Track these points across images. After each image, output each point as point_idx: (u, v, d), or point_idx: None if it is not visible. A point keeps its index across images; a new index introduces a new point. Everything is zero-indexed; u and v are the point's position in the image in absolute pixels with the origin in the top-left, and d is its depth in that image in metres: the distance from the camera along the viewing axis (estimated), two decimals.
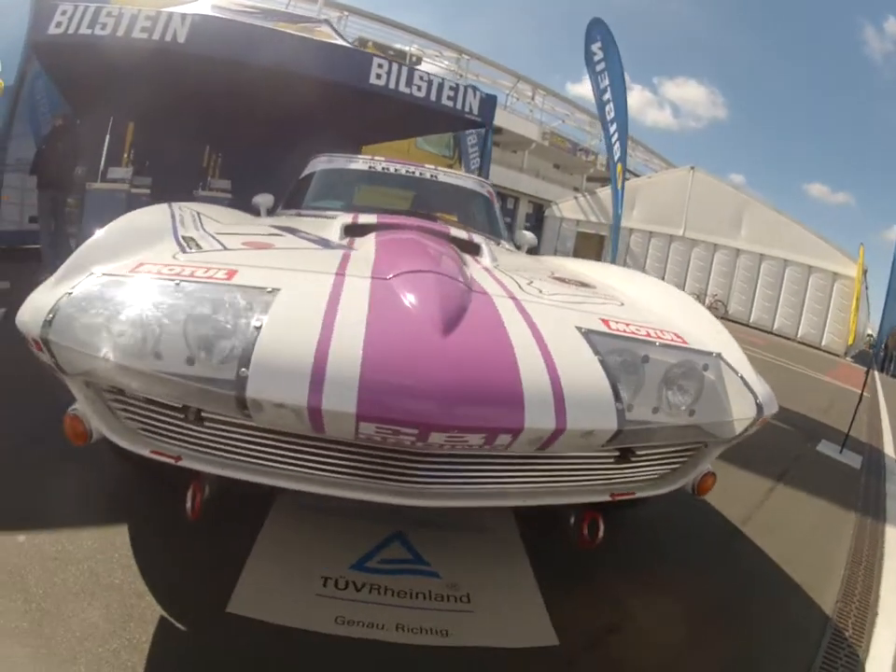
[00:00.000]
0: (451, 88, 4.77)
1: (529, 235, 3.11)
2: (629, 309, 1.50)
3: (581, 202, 14.58)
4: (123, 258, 1.23)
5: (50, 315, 1.07)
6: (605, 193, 14.24)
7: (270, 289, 1.11)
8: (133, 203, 4.71)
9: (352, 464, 1.12)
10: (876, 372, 9.18)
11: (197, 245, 1.40)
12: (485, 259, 1.85)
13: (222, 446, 1.14)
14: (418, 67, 6.26)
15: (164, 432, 1.15)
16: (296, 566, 1.42)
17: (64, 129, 4.83)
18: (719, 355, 1.31)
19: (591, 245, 13.96)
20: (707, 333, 1.44)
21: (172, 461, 1.14)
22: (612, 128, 6.32)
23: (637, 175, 15.85)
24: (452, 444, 1.02)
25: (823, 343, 10.70)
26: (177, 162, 5.64)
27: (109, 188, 4.70)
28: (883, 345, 7.90)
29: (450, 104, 4.75)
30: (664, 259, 12.67)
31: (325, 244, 1.70)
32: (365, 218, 2.01)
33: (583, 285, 1.70)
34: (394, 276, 1.24)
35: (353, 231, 1.85)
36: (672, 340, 1.31)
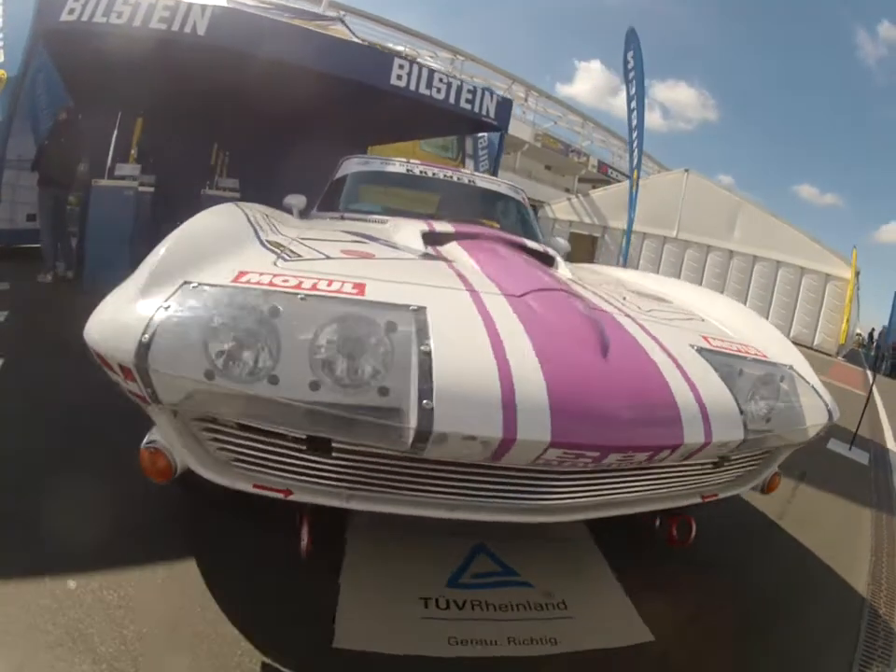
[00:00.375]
0: (469, 91, 4.75)
1: (563, 243, 3.03)
2: (712, 325, 1.56)
3: (575, 203, 14.66)
4: (211, 265, 1.10)
5: (146, 337, 0.89)
6: (598, 195, 14.39)
7: (415, 307, 1.02)
8: (140, 202, 4.58)
9: (492, 486, 1.09)
10: (870, 371, 9.51)
11: (292, 252, 1.32)
12: (564, 272, 1.84)
13: (350, 477, 1.04)
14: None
15: (270, 464, 1.03)
16: (391, 589, 1.36)
17: (68, 124, 4.65)
18: (791, 367, 1.41)
19: (584, 246, 14.06)
20: (775, 345, 1.52)
21: (280, 496, 1.03)
22: (634, 134, 6.43)
23: (628, 177, 16.03)
24: (620, 462, 1.02)
25: (815, 343, 10.91)
26: (184, 160, 5.48)
27: (117, 185, 4.50)
28: (884, 347, 8.21)
29: (468, 106, 4.73)
30: (657, 261, 12.82)
31: (416, 253, 1.66)
32: (441, 227, 1.97)
33: (661, 300, 1.74)
34: (524, 294, 1.21)
35: (431, 239, 1.81)
36: (756, 354, 1.39)
